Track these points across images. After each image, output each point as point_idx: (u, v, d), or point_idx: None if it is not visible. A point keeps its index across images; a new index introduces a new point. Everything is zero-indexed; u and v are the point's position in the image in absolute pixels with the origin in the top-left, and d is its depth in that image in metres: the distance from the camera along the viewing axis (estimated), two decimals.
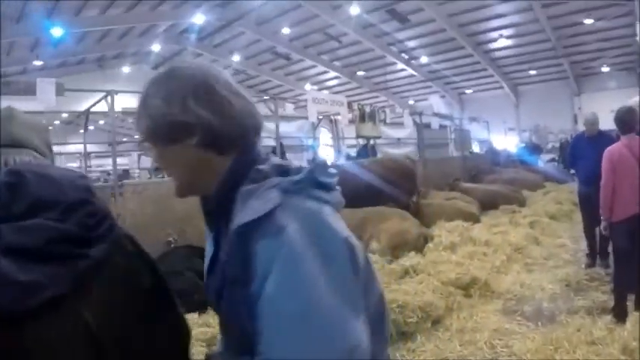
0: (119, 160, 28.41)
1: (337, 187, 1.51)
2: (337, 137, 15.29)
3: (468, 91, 36.95)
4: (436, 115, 17.96)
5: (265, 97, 12.44)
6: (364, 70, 34.32)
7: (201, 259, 5.19)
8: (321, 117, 13.78)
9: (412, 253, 7.90)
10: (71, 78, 28.64)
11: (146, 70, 33.53)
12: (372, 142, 15.52)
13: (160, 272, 1.53)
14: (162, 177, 11.52)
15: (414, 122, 16.70)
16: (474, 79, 34.84)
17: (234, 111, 1.43)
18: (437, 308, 5.91)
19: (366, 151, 14.77)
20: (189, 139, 1.42)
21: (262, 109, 12.50)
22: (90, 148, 37.91)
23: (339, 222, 1.37)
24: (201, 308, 6.40)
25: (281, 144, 11.96)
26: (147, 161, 24.78)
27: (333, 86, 36.65)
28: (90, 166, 30.29)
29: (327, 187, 1.43)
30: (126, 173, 26.09)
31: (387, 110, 15.29)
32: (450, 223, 9.96)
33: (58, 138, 37.96)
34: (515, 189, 14.17)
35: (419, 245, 8.40)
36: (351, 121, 14.14)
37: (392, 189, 10.68)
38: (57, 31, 23.36)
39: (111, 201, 9.17)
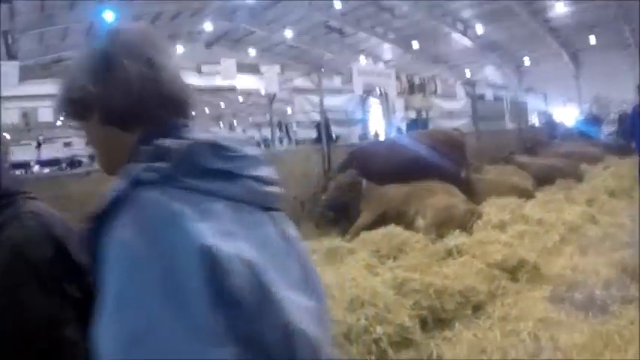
0: None
1: (251, 173, 1.26)
2: (388, 110, 14.72)
3: (525, 62, 35.46)
4: (490, 85, 17.16)
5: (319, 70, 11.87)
6: (419, 42, 33.39)
7: None
8: (367, 89, 13.34)
9: (457, 232, 7.41)
10: None
11: (200, 49, 33.61)
12: (423, 114, 14.92)
13: (68, 253, 1.54)
14: None
15: (467, 93, 16.01)
16: (531, 50, 33.33)
17: (136, 85, 1.29)
18: (478, 293, 5.50)
19: (417, 124, 14.21)
20: (92, 116, 1.37)
21: (306, 83, 12.15)
22: None
23: (211, 224, 1.07)
24: None
25: (326, 118, 11.55)
26: None
27: (389, 59, 35.93)
28: None
29: (221, 175, 1.16)
30: None
31: (438, 81, 14.59)
32: (502, 200, 9.39)
33: None
34: (572, 162, 13.36)
35: (466, 223, 7.90)
36: (400, 93, 13.57)
37: (439, 163, 10.12)
38: (109, 15, 23.68)
39: None
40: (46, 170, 19.93)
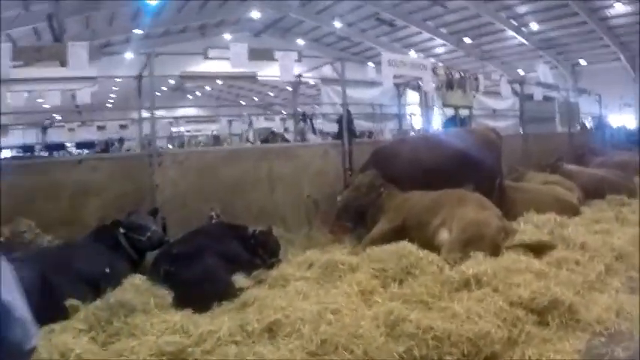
0: (211, 126, 28.47)
1: None
2: (425, 105, 13.28)
3: (581, 63, 33.17)
4: (540, 84, 15.44)
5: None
6: (471, 38, 31.69)
7: (237, 241, 6.91)
8: (399, 82, 12.00)
9: (482, 256, 6.02)
10: (175, 46, 28.51)
11: (248, 37, 32.81)
12: (463, 112, 13.42)
13: None
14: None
15: (514, 92, 14.44)
16: (588, 50, 31.33)
17: None
18: (493, 342, 4.17)
19: (454, 122, 12.68)
20: None
21: (328, 72, 10.85)
22: (195, 112, 38.14)
23: None
24: (204, 303, 5.42)
25: (348, 111, 10.24)
26: (238, 127, 24.39)
27: (440, 54, 34.32)
28: (189, 131, 30.51)
29: None
30: (216, 139, 25.58)
31: (481, 77, 13.04)
32: (541, 216, 7.93)
33: (164, 103, 38.74)
34: (626, 175, 11.56)
35: (496, 243, 6.52)
36: (439, 88, 12.14)
37: (472, 167, 8.75)
38: (152, 1, 23.31)
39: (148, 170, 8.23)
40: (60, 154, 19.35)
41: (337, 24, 32.48)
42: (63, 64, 8.42)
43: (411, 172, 8.58)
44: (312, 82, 12.57)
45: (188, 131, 30.27)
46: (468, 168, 8.68)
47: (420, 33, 32.36)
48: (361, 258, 6.42)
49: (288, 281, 5.99)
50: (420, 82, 11.71)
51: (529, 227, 7.34)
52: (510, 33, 29.82)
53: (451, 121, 12.94)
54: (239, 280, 6.25)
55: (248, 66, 9.08)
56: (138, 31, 28.91)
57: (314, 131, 13.14)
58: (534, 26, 28.92)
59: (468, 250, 6.35)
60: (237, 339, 4.44)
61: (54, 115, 21.44)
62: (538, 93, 15.15)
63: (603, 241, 6.90)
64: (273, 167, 9.25)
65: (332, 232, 8.78)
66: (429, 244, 6.86)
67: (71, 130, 19.94)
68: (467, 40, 31.89)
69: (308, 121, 12.96)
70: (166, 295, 5.51)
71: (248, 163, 9.09)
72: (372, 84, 11.81)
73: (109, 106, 41.28)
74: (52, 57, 8.55)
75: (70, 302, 5.18)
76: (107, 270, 5.90)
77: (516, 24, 29.07)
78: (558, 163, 12.13)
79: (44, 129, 16.12)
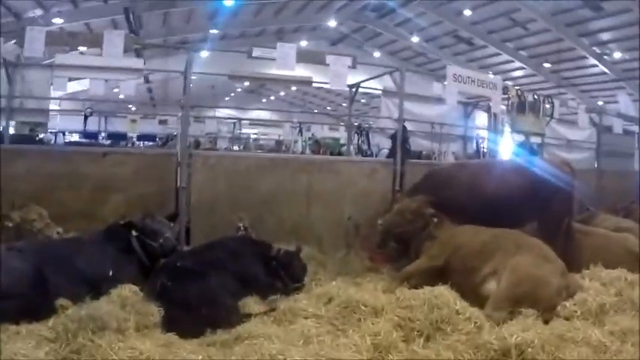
0: (278, 131, 27.79)
1: None
2: (493, 129, 11.98)
3: None
4: (620, 116, 13.77)
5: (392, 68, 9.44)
6: (551, 63, 29.84)
7: (257, 259, 6.26)
8: (467, 101, 10.77)
9: (530, 320, 4.82)
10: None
11: (324, 46, 32.17)
12: (534, 140, 12.03)
13: None
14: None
15: (592, 122, 12.91)
16: None
17: None
18: None
19: (524, 150, 11.25)
20: None
21: (387, 82, 9.76)
22: (267, 116, 37.68)
23: None
24: (195, 329, 4.78)
25: (404, 127, 9.10)
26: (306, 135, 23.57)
27: (518, 77, 32.55)
28: (256, 134, 30.09)
29: None
30: (279, 144, 24.90)
31: (556, 102, 11.62)
32: (609, 272, 6.47)
33: (238, 104, 38.52)
34: None
35: (553, 305, 5.35)
36: (509, 111, 10.84)
37: (538, 203, 7.48)
38: (228, 1, 23.44)
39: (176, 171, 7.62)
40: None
41: (415, 39, 31.32)
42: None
43: (468, 201, 7.40)
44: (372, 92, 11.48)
45: (255, 134, 29.79)
46: (534, 203, 7.46)
47: (499, 54, 30.74)
48: (388, 300, 5.33)
49: (297, 317, 5.05)
50: (490, 103, 10.41)
51: (594, 285, 5.99)
52: (592, 61, 27.79)
53: (520, 148, 11.53)
54: (249, 304, 5.54)
55: (297, 69, 8.17)
56: (214, 31, 28.57)
57: (369, 146, 12.00)
58: (617, 55, 26.72)
59: (517, 307, 5.18)
60: None
61: (129, 105, 21.11)
62: (618, 125, 13.49)
63: None
64: (313, 181, 8.36)
65: (371, 259, 7.81)
66: (473, 294, 5.71)
67: (133, 121, 19.49)
68: (546, 65, 30.08)
69: (363, 134, 11.88)
70: (156, 312, 4.93)
71: (285, 174, 8.27)
72: (436, 100, 10.58)
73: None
74: (87, 43, 8.35)
75: (62, 302, 4.82)
76: (111, 273, 5.48)
77: (599, 51, 27.07)
78: (634, 205, 10.59)
79: (85, 118, 15.68)
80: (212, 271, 5.50)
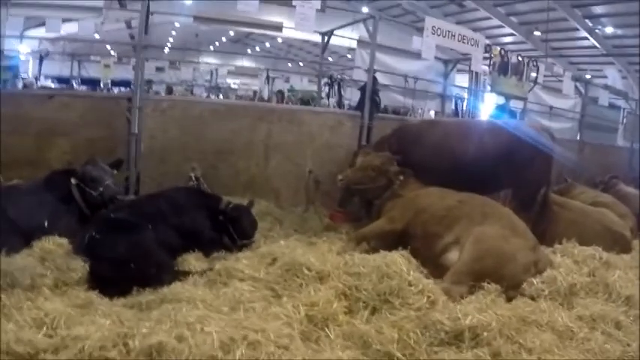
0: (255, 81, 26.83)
1: None
2: (474, 87, 11.28)
3: None
4: (607, 88, 13.10)
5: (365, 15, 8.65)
6: (541, 32, 29.02)
7: (204, 213, 5.72)
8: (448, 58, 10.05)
9: (488, 298, 4.25)
10: None
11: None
12: (515, 104, 11.37)
13: None
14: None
15: (577, 92, 12.24)
16: None
17: None
18: None
19: (503, 112, 10.54)
20: None
21: (364, 32, 8.98)
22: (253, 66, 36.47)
23: None
24: (121, 287, 4.32)
25: (374, 78, 8.36)
26: (280, 85, 22.69)
27: (507, 43, 31.69)
28: (236, 83, 29.17)
29: None
30: (255, 94, 23.96)
31: (542, 66, 10.89)
32: (583, 249, 5.85)
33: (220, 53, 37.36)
34: None
35: (518, 283, 4.78)
36: (490, 71, 10.12)
37: (514, 168, 6.90)
38: None
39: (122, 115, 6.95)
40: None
41: None
42: None
43: (437, 162, 6.78)
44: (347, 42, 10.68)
45: (235, 84, 28.85)
46: (509, 168, 6.87)
47: (489, 18, 29.78)
48: (336, 264, 4.65)
49: (232, 279, 4.48)
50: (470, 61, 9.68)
51: (566, 262, 5.39)
52: (583, 33, 27.05)
53: (499, 111, 10.83)
54: (190, 261, 5.14)
55: (268, 13, 7.45)
56: None
57: (340, 99, 11.23)
58: (609, 30, 26.00)
59: (479, 281, 4.60)
60: (106, 355, 3.01)
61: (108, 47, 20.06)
62: (604, 97, 12.80)
63: None
64: (273, 131, 7.74)
65: (331, 217, 7.33)
66: (433, 263, 5.20)
67: (107, 66, 18.46)
68: (537, 33, 29.24)
69: (335, 86, 11.10)
70: (80, 268, 4.48)
71: (243, 123, 7.62)
72: (415, 55, 9.79)
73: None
74: None
75: None
76: (45, 223, 5.02)
77: (591, 24, 26.29)
78: (613, 180, 10.04)
79: (41, 59, 14.74)
80: (149, 224, 5.01)
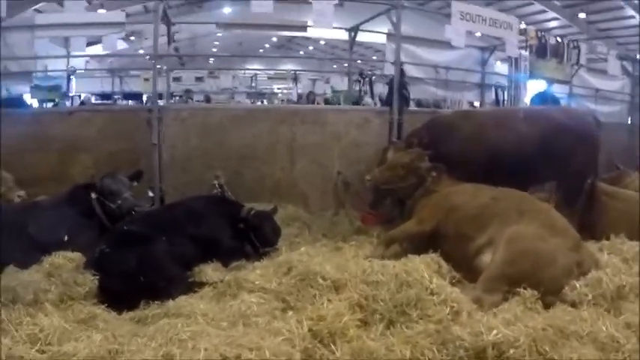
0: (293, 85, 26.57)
1: None
2: (514, 74, 10.64)
3: None
4: None
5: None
6: (587, 13, 27.80)
7: (224, 221, 5.53)
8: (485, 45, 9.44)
9: (518, 309, 3.76)
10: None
11: None
12: (559, 89, 10.66)
13: None
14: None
15: (626, 72, 11.42)
16: None
17: None
18: None
19: (544, 99, 9.81)
20: None
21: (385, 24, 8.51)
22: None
23: None
24: (130, 300, 4.26)
25: (402, 71, 7.88)
26: (321, 87, 22.39)
27: (552, 28, 30.56)
28: (280, 88, 28.94)
29: None
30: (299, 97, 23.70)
31: (583, 46, 10.14)
32: (634, 245, 5.26)
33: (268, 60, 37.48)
34: None
35: (559, 288, 4.20)
36: (531, 54, 9.48)
37: (555, 159, 6.36)
38: None
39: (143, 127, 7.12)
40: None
41: None
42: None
43: (472, 156, 6.31)
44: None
45: (279, 88, 28.64)
46: (550, 159, 6.33)
47: (532, 4, 28.74)
48: (355, 273, 4.24)
49: (242, 291, 4.24)
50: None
51: (614, 260, 4.81)
52: (630, 11, 25.79)
53: (540, 98, 10.12)
54: (206, 271, 4.96)
55: (273, 9, 7.18)
56: None
57: (372, 96, 10.75)
58: None
59: (515, 285, 4.10)
60: None
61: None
62: None
63: None
64: (297, 134, 7.46)
65: (363, 220, 6.94)
66: (467, 266, 4.77)
67: (147, 79, 18.55)
68: (582, 15, 28.03)
69: (367, 83, 10.64)
70: (89, 282, 4.41)
71: (264, 127, 7.43)
72: (447, 44, 9.23)
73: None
74: None
75: (9, 270, 4.53)
76: (66, 238, 5.13)
77: (637, 2, 25.04)
78: None
79: (68, 78, 14.84)
80: (163, 235, 4.90)
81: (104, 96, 19.67)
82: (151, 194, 6.89)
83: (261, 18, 9.87)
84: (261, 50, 45.58)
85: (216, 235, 5.43)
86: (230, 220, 5.62)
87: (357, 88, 10.99)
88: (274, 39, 39.18)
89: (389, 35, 9.10)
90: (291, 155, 7.43)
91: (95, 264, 4.58)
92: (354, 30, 9.28)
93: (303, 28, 8.67)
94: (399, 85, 7.61)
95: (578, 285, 4.17)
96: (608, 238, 5.59)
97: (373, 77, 10.80)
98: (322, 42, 38.02)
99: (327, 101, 18.51)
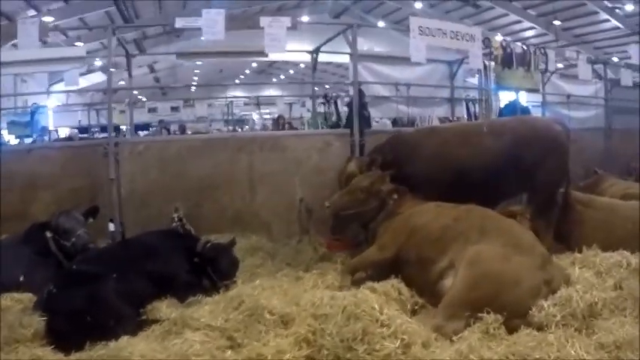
0: (270, 110, 26.49)
1: None
2: (484, 86, 10.43)
3: None
4: (630, 67, 11.99)
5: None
6: (561, 21, 27.93)
7: (180, 255, 5.29)
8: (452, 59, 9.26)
9: (477, 334, 3.50)
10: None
11: (326, 19, 30.67)
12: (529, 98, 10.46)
13: None
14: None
15: (598, 75, 11.23)
16: None
17: None
18: None
19: (514, 109, 9.59)
20: None
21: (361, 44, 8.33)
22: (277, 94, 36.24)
23: None
24: (73, 341, 4.02)
25: (360, 91, 7.67)
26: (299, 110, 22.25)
27: (528, 37, 30.70)
28: (259, 113, 28.87)
29: None
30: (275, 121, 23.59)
31: (551, 53, 9.91)
32: (607, 256, 4.97)
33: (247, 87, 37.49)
34: None
35: (527, 307, 3.93)
36: (497, 65, 9.29)
37: (523, 171, 6.14)
38: None
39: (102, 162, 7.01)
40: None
41: (418, 4, 29.48)
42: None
43: (437, 173, 6.07)
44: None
45: (258, 114, 28.56)
46: (518, 171, 6.11)
47: (507, 15, 28.90)
48: (304, 305, 4.00)
49: (186, 327, 4.03)
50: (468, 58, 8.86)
51: (586, 275, 4.54)
52: (604, 15, 25.95)
53: (509, 109, 9.89)
54: (161, 308, 4.72)
55: (226, 36, 6.97)
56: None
57: (338, 118, 10.51)
58: (629, 7, 24.74)
59: (476, 311, 3.83)
60: None
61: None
62: (627, 77, 11.61)
63: None
64: (255, 162, 7.24)
65: (328, 247, 6.62)
66: (430, 292, 4.53)
67: (122, 112, 18.36)
68: (557, 22, 28.16)
69: (332, 104, 10.41)
70: (36, 323, 4.26)
71: (223, 156, 7.27)
72: (404, 60, 9.00)
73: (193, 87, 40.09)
74: (4, 36, 7.74)
75: None
76: (21, 278, 5.09)
77: (610, 5, 25.17)
78: None
79: (32, 114, 14.74)
80: (115, 272, 4.69)
81: (81, 130, 19.60)
82: (112, 228, 6.74)
83: (222, 46, 9.75)
84: (242, 77, 45.66)
85: (172, 270, 5.24)
86: (186, 254, 5.44)
87: (322, 111, 10.80)
88: (254, 64, 39.21)
89: (350, 55, 8.91)
90: (252, 184, 7.22)
91: (43, 305, 4.48)
92: (315, 52, 9.06)
93: (262, 53, 8.40)
94: (359, 106, 7.37)
95: (546, 305, 3.91)
96: (580, 251, 5.29)
97: (338, 99, 10.56)
98: (302, 65, 38.03)
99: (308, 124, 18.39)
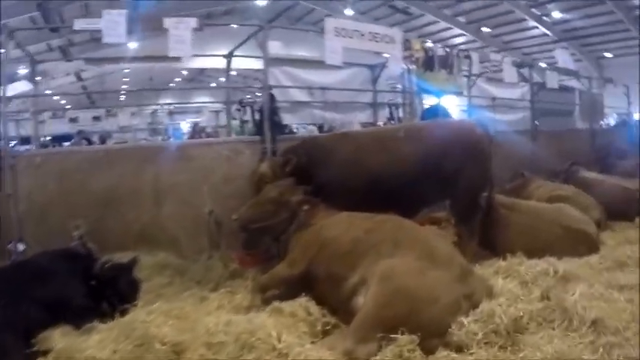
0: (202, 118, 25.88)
1: None
2: (407, 89, 10.19)
3: (607, 55, 29.40)
4: (555, 69, 12.02)
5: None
6: (490, 28, 28.56)
7: (76, 278, 4.74)
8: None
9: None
10: None
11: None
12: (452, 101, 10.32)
13: None
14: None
15: (524, 78, 11.22)
16: (614, 41, 27.58)
17: None
18: None
19: (435, 113, 9.32)
20: None
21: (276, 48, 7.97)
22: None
23: None
24: None
25: (271, 96, 7.27)
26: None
27: (459, 44, 31.26)
28: (188, 122, 28.20)
29: None
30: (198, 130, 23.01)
31: (475, 55, 9.78)
32: (533, 264, 4.73)
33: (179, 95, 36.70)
34: None
35: (445, 325, 3.58)
36: (419, 68, 9.05)
37: (443, 177, 5.84)
38: None
39: None
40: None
41: (348, 12, 29.49)
42: None
43: (352, 180, 5.72)
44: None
45: (188, 123, 27.87)
46: (437, 177, 5.80)
47: (437, 22, 29.46)
48: (198, 333, 3.65)
49: None
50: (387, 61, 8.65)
51: (509, 286, 4.22)
52: (531, 23, 26.76)
53: (430, 112, 9.65)
54: (54, 337, 4.07)
55: (126, 39, 6.47)
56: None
57: (255, 124, 10.09)
58: (557, 15, 25.73)
59: (391, 330, 3.46)
60: None
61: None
62: (552, 79, 11.63)
63: (632, 314, 3.83)
64: (162, 173, 6.69)
65: (239, 262, 6.09)
66: (343, 310, 4.12)
67: (41, 122, 17.33)
68: (485, 29, 28.80)
69: (248, 111, 9.96)
70: None
71: (126, 168, 6.69)
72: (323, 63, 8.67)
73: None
74: None
75: None
76: None
77: (538, 13, 26.00)
78: (573, 168, 8.95)
79: None
80: (1, 300, 4.22)
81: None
82: (21, 248, 6.12)
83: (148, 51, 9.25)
84: (172, 84, 44.76)
85: (65, 294, 4.69)
86: (83, 276, 4.90)
87: (238, 117, 10.40)
88: (184, 72, 38.50)
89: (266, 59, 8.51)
90: (157, 196, 6.69)
91: None
92: (229, 56, 8.62)
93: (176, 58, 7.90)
94: (270, 112, 6.95)
95: (466, 322, 3.56)
96: (505, 258, 5.01)
97: (254, 105, 10.13)
98: (234, 72, 37.49)
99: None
